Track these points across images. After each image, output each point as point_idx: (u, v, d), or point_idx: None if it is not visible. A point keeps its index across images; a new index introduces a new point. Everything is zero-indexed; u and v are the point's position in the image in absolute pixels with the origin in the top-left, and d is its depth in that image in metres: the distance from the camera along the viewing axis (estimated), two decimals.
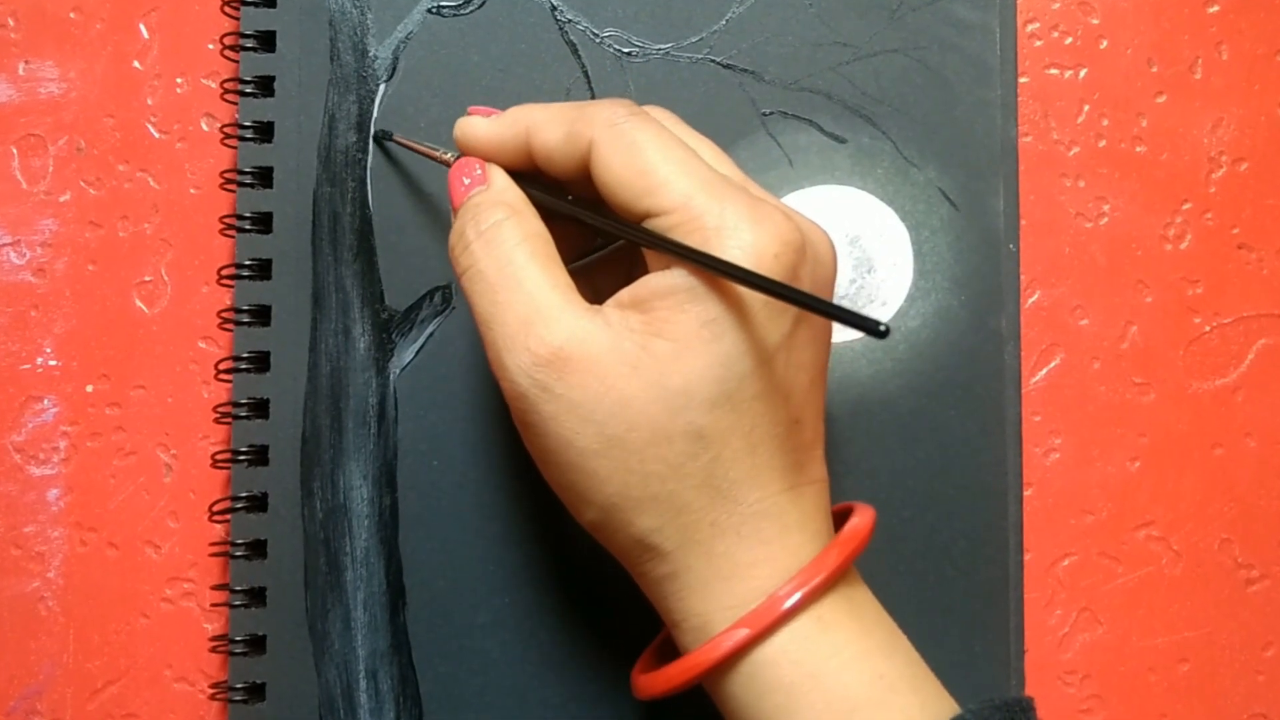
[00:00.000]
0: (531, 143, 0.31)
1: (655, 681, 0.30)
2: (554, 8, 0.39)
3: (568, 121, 0.30)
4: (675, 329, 0.28)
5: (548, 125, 0.31)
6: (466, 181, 0.32)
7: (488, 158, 0.32)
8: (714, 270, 0.28)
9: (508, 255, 0.30)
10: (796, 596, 0.28)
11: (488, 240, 0.30)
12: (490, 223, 0.30)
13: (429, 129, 0.39)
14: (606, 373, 0.28)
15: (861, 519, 0.30)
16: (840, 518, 0.31)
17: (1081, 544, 0.39)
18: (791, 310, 0.29)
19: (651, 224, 0.29)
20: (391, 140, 0.38)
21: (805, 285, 0.29)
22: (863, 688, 0.28)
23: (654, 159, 0.29)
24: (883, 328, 0.25)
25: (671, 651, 0.31)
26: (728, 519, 0.28)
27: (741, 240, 0.28)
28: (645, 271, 0.30)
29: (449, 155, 0.34)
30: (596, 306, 0.29)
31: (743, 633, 0.28)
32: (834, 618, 0.28)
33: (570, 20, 0.39)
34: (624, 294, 0.29)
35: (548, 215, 0.31)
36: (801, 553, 0.29)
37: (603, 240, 0.35)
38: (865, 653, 0.28)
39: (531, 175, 0.32)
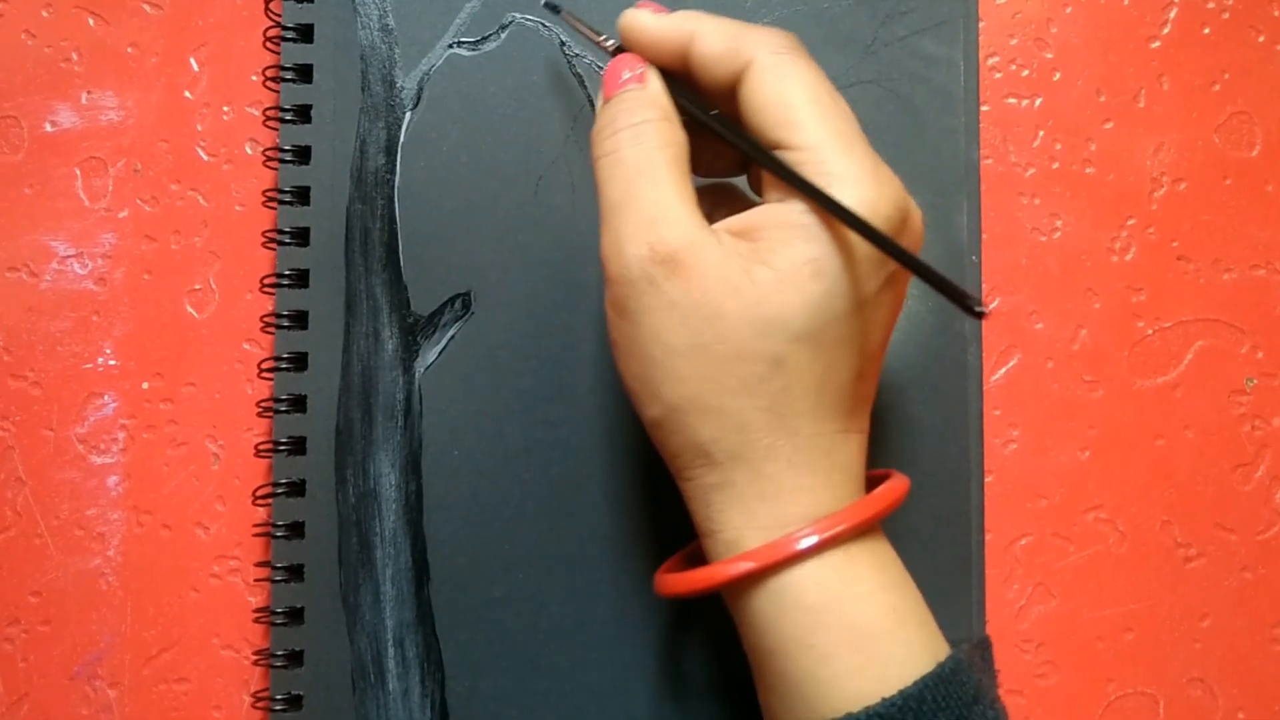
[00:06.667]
0: (691, 47, 0.30)
1: (679, 581, 0.30)
2: (562, 43, 0.40)
3: (731, 37, 0.30)
4: (780, 260, 0.28)
5: (711, 35, 0.30)
6: (626, 75, 0.31)
7: (645, 50, 0.32)
8: (837, 215, 0.27)
9: (650, 154, 0.29)
10: (832, 532, 0.28)
11: (635, 134, 0.30)
12: (642, 119, 0.30)
13: (450, 152, 0.40)
14: (710, 285, 0.28)
15: (898, 483, 0.31)
16: (874, 482, 0.31)
17: (1037, 525, 0.41)
18: (886, 269, 0.29)
19: (779, 156, 0.29)
20: (560, 13, 0.37)
21: None
22: (877, 619, 0.28)
23: (802, 96, 0.29)
24: (979, 309, 0.25)
25: (698, 562, 0.31)
26: (782, 446, 0.28)
27: (862, 194, 0.28)
28: (746, 207, 0.30)
29: (610, 43, 0.33)
30: (712, 226, 0.29)
31: (775, 552, 0.28)
32: (859, 554, 0.29)
33: (577, 55, 0.40)
34: (735, 221, 0.29)
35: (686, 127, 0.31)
36: (840, 491, 0.29)
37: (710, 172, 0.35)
38: (882, 588, 0.29)
39: (679, 81, 0.32)
